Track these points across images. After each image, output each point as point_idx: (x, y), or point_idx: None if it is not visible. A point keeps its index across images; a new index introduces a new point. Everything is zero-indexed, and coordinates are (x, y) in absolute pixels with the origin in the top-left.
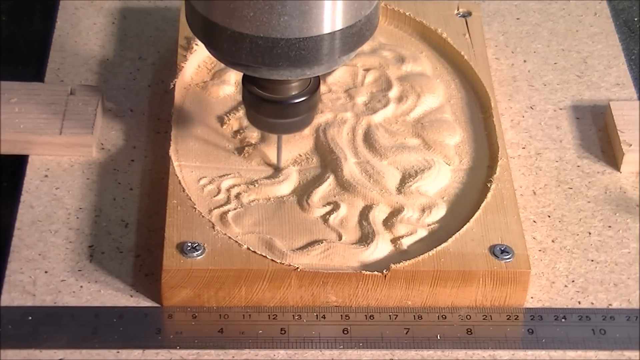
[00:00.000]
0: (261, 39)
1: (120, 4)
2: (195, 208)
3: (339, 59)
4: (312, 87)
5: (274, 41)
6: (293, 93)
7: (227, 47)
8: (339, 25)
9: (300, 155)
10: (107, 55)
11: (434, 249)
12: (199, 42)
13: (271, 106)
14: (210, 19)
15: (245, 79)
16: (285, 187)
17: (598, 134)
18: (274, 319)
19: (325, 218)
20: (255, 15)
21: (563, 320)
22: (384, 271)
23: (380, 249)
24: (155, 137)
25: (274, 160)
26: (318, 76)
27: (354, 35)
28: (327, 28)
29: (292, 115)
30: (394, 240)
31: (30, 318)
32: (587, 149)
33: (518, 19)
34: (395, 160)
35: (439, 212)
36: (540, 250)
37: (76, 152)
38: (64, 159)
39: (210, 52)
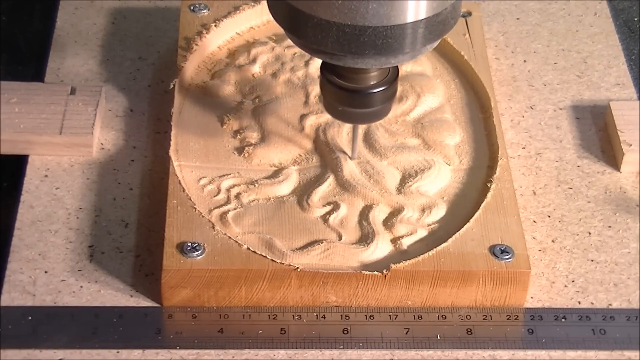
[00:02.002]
0: (348, 27)
1: (120, 4)
2: (195, 208)
3: (422, 47)
4: (391, 77)
5: (361, 29)
6: (372, 82)
7: (312, 35)
8: (426, 14)
9: (300, 155)
10: (107, 55)
11: (434, 249)
12: (199, 42)
13: (350, 95)
14: (295, 6)
15: (324, 67)
16: (285, 187)
17: (598, 134)
18: (274, 319)
19: (325, 218)
20: (343, 3)
21: (563, 320)
22: (384, 271)
23: (380, 249)
24: (155, 137)
25: (274, 160)
26: (397, 66)
27: (440, 24)
28: (414, 16)
29: (371, 105)
30: (394, 240)
31: (30, 318)
32: (587, 149)
33: (518, 19)
34: (395, 160)
35: (439, 212)
36: (540, 250)
37: (76, 152)
38: (64, 159)
39: (292, 39)
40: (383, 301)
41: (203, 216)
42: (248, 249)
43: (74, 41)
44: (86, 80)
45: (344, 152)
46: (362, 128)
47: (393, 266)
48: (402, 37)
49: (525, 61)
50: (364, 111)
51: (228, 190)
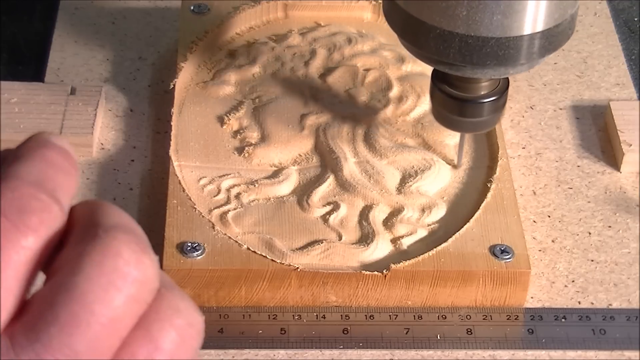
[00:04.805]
0: (471, 38)
1: (120, 4)
2: (195, 208)
3: (540, 58)
4: (502, 87)
5: (484, 40)
6: (484, 92)
7: (434, 45)
8: (547, 25)
9: (300, 155)
10: (107, 55)
11: (434, 249)
12: (199, 42)
13: (461, 104)
14: (416, 17)
15: (435, 76)
16: (285, 187)
17: (598, 134)
18: (274, 319)
19: (325, 218)
20: (468, 14)
21: (563, 320)
22: (384, 271)
23: (380, 249)
24: (155, 137)
25: (274, 160)
26: (507, 76)
27: (559, 34)
28: (536, 27)
29: (481, 114)
30: (394, 240)
31: None
32: (587, 149)
33: None
34: (395, 160)
35: (439, 212)
36: (540, 250)
37: (76, 152)
38: None
39: (410, 49)
40: (383, 301)
41: (203, 216)
42: (248, 249)
43: (74, 41)
44: (86, 80)
45: (344, 152)
46: (362, 129)
47: (393, 266)
48: (523, 48)
49: None
50: (474, 120)
51: (228, 190)
